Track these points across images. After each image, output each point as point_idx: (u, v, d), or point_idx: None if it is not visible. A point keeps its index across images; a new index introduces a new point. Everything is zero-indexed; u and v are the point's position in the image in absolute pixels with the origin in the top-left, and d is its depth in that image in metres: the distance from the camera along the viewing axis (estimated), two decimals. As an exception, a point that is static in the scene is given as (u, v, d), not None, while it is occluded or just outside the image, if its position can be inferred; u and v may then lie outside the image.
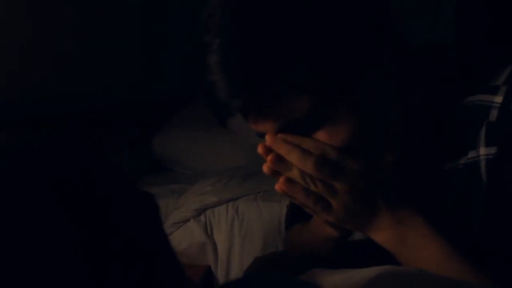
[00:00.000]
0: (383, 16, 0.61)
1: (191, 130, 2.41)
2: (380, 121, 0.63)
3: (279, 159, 0.61)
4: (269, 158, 0.62)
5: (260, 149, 0.62)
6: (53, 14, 2.03)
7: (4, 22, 1.82)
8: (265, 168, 0.63)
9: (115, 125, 2.20)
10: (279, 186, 0.62)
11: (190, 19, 2.63)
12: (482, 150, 0.62)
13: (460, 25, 2.83)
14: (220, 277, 1.82)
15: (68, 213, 0.34)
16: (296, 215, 0.87)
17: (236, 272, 1.80)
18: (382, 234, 0.64)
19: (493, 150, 0.61)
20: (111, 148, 1.77)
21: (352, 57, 0.60)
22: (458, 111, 0.65)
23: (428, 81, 0.67)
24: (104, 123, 2.12)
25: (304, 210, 0.69)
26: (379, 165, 0.65)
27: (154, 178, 2.23)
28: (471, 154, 0.63)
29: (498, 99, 0.61)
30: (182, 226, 1.85)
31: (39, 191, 0.34)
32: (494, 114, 0.61)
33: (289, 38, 0.56)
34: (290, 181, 0.62)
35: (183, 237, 1.83)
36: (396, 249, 0.64)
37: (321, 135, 0.61)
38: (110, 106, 2.21)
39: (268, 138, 0.62)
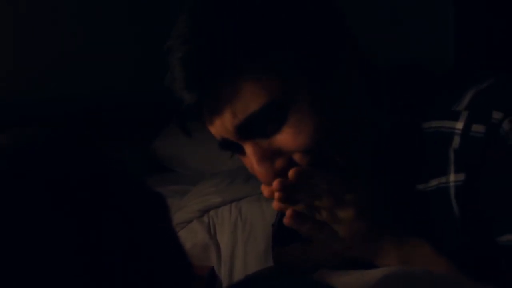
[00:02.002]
0: (342, 26, 0.62)
1: (193, 130, 2.40)
2: (348, 127, 0.62)
3: (286, 196, 0.61)
4: (276, 196, 0.62)
5: (266, 193, 0.63)
6: (53, 14, 2.03)
7: (5, 22, 1.82)
8: (274, 206, 0.63)
9: (116, 125, 2.20)
10: (287, 220, 0.62)
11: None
12: (452, 177, 0.62)
13: (459, 39, 2.84)
14: (223, 277, 1.81)
15: (70, 214, 0.34)
16: (283, 233, 0.87)
17: (239, 272, 1.79)
18: (388, 257, 0.63)
19: (461, 176, 0.61)
20: (112, 149, 1.77)
21: (311, 51, 0.59)
22: (425, 136, 0.64)
23: (397, 101, 0.66)
24: (105, 123, 2.12)
25: (289, 230, 0.70)
26: (370, 186, 0.65)
27: (156, 179, 2.23)
28: (442, 179, 0.63)
29: (459, 125, 0.61)
30: (185, 227, 1.85)
31: (40, 191, 0.34)
32: (457, 141, 0.62)
33: (247, 28, 0.56)
34: (297, 214, 0.62)
35: (186, 238, 1.83)
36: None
37: (284, 137, 0.60)
38: (111, 106, 2.21)
39: (275, 183, 0.61)
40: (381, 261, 0.64)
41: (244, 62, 0.57)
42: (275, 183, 0.60)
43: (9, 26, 1.80)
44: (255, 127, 0.60)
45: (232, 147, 0.66)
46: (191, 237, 1.83)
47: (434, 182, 0.64)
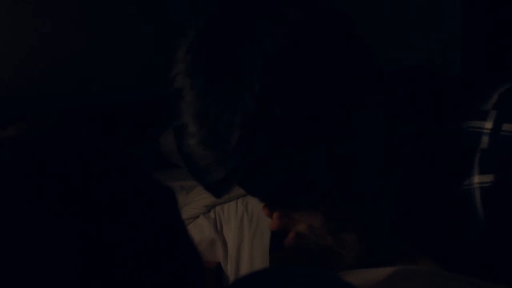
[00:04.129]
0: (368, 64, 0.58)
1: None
2: (372, 161, 0.61)
3: (286, 216, 0.60)
4: (275, 215, 0.60)
5: (264, 211, 0.61)
6: (57, 13, 2.03)
7: (9, 21, 1.82)
8: (273, 225, 0.61)
9: (123, 122, 2.20)
10: (288, 241, 0.61)
11: (194, 15, 2.58)
12: (476, 179, 0.60)
13: (466, 40, 2.83)
14: (230, 273, 1.82)
15: (77, 208, 0.34)
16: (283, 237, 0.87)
17: (245, 268, 1.80)
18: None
19: (489, 178, 0.59)
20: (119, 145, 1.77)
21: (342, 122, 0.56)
22: (450, 138, 0.62)
23: (418, 106, 0.64)
24: (112, 120, 2.13)
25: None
26: (380, 207, 0.64)
27: (162, 174, 2.23)
28: (466, 182, 0.61)
29: (488, 125, 0.59)
30: (192, 223, 1.85)
31: (45, 184, 0.34)
32: (485, 141, 0.59)
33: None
34: (299, 235, 0.61)
35: (193, 234, 1.80)
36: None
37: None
38: (119, 103, 2.21)
39: (274, 216, 0.60)
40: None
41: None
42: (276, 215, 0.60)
43: (13, 24, 1.81)
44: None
45: None
46: (197, 233, 1.84)
47: (457, 187, 0.62)
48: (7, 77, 1.81)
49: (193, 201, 1.88)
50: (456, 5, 2.84)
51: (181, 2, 2.81)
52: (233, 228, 1.83)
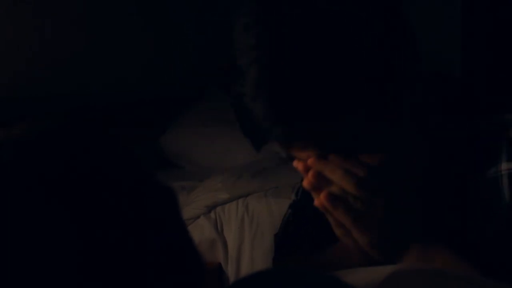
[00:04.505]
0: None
1: (199, 127, 2.41)
2: (411, 148, 0.65)
3: (320, 174, 0.61)
4: (310, 173, 0.61)
5: (299, 166, 0.62)
6: (59, 13, 2.03)
7: (11, 20, 1.83)
8: (306, 183, 0.62)
9: (123, 122, 2.20)
10: (319, 201, 0.61)
11: (196, 16, 2.62)
12: (504, 165, 0.64)
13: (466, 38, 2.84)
14: (230, 274, 1.82)
15: (75, 208, 0.34)
16: (287, 243, 0.87)
17: (246, 269, 1.80)
18: (407, 261, 0.63)
19: None
20: (125, 145, 1.77)
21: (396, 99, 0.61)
22: (480, 130, 0.67)
23: (448, 103, 0.70)
24: (113, 120, 2.13)
25: (294, 240, 0.75)
26: (411, 192, 0.66)
27: (163, 175, 2.23)
28: (492, 170, 0.65)
29: None
30: (192, 223, 1.85)
31: (44, 185, 0.34)
32: None
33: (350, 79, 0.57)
34: (331, 196, 0.61)
35: (193, 234, 1.80)
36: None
37: (361, 156, 0.62)
38: (119, 103, 2.21)
39: (310, 160, 0.62)
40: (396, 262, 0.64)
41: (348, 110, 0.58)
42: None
43: (15, 24, 1.81)
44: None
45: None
46: (198, 233, 1.84)
47: (485, 174, 0.65)
48: (7, 77, 1.81)
49: (194, 202, 1.88)
50: (456, 5, 2.85)
51: (181, 2, 2.81)
52: (233, 229, 1.83)
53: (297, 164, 0.62)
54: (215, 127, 2.40)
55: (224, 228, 1.85)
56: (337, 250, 0.74)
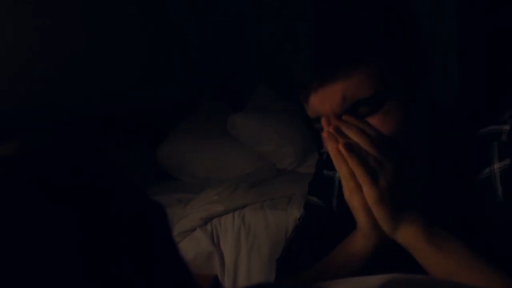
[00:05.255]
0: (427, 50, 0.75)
1: (195, 139, 2.41)
2: (419, 130, 0.74)
3: (339, 129, 0.69)
4: (330, 127, 0.69)
5: (322, 122, 0.70)
6: (59, 12, 2.04)
7: (11, 20, 1.83)
8: (325, 134, 0.70)
9: (119, 134, 2.20)
10: (336, 149, 0.69)
11: (196, 16, 2.61)
12: (496, 165, 0.73)
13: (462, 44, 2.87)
14: (227, 286, 1.81)
15: (66, 223, 0.34)
16: (288, 268, 0.90)
17: (243, 281, 1.79)
18: (408, 231, 0.70)
19: (506, 161, 0.72)
20: (116, 158, 1.77)
21: (412, 68, 0.72)
22: (473, 138, 0.76)
23: (449, 117, 0.80)
24: (108, 132, 2.13)
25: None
26: (417, 173, 0.74)
27: (159, 187, 2.23)
28: (486, 170, 0.73)
29: (506, 127, 0.74)
30: (189, 236, 1.85)
31: (38, 199, 0.34)
32: (504, 137, 0.73)
33: (370, 35, 0.69)
34: (348, 145, 0.68)
35: (190, 247, 1.83)
36: (416, 247, 0.70)
37: (374, 120, 0.70)
38: (115, 115, 2.21)
39: (332, 119, 0.70)
40: (401, 232, 0.70)
41: (363, 57, 0.68)
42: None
43: (15, 34, 1.82)
44: (355, 110, 0.70)
45: (317, 123, 0.74)
46: (194, 245, 1.83)
47: (478, 175, 0.74)
48: (7, 77, 1.82)
49: (190, 214, 1.88)
50: (451, 10, 2.88)
51: (181, 2, 2.83)
52: (230, 241, 1.83)
53: (322, 121, 0.71)
54: (211, 139, 2.41)
55: (221, 240, 1.85)
56: (336, 254, 0.79)
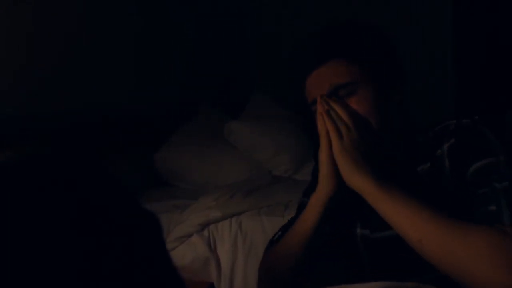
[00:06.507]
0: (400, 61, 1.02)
1: (192, 145, 2.42)
2: (387, 121, 0.95)
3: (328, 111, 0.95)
4: (321, 101, 0.95)
5: (318, 102, 0.95)
6: (59, 12, 2.05)
7: (11, 20, 1.84)
8: (318, 106, 0.94)
9: (116, 141, 2.21)
10: (320, 113, 0.93)
11: (196, 16, 2.62)
12: (445, 145, 0.91)
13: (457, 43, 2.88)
14: (224, 292, 1.82)
15: (55, 238, 0.34)
16: None
17: (239, 287, 1.80)
18: (361, 178, 0.88)
19: (452, 141, 0.91)
20: (113, 164, 1.77)
21: (382, 73, 0.97)
22: (432, 131, 0.98)
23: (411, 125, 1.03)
24: (105, 139, 2.13)
25: None
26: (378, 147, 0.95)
27: (156, 193, 2.24)
28: (438, 151, 0.92)
29: (455, 121, 0.95)
30: (186, 241, 1.85)
31: (34, 209, 0.35)
32: (452, 126, 0.94)
33: (357, 39, 0.98)
34: (327, 112, 0.93)
35: (186, 252, 1.83)
36: (366, 191, 0.87)
37: (351, 102, 0.93)
38: (111, 122, 2.22)
39: (328, 100, 0.94)
40: (351, 180, 0.89)
41: (345, 57, 0.94)
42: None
43: (11, 44, 1.83)
44: (336, 92, 0.94)
45: (312, 107, 0.98)
46: (191, 251, 1.84)
47: (433, 155, 0.93)
48: (7, 77, 1.82)
49: (188, 219, 1.88)
50: (447, 9, 2.89)
51: (181, 2, 2.84)
52: (227, 247, 1.83)
53: (317, 103, 0.95)
54: (208, 145, 2.42)
55: (217, 246, 1.85)
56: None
